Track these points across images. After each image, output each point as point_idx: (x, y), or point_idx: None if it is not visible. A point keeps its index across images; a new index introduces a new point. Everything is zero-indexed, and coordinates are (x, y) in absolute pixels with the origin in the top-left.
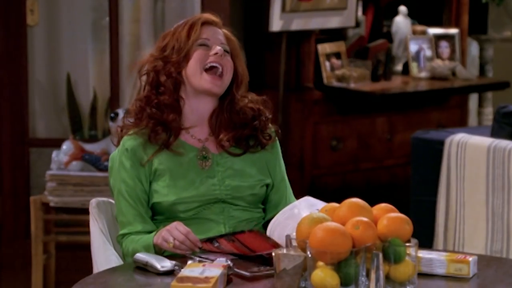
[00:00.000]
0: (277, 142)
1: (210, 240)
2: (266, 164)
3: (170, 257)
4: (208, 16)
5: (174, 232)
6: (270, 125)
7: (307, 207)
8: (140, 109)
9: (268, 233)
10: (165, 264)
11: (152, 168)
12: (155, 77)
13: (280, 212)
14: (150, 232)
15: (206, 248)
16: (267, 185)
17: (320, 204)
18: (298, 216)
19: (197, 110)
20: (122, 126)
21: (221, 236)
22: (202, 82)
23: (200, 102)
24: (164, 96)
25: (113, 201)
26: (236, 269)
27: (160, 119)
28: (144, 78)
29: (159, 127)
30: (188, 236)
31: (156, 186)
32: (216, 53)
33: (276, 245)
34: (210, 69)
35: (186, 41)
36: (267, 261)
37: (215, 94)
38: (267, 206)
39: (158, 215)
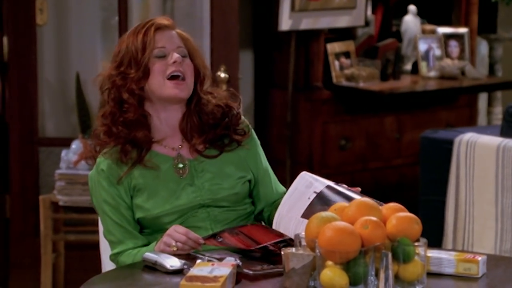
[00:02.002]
0: (253, 134)
1: (213, 236)
2: (245, 160)
3: (179, 256)
4: (160, 20)
5: (175, 235)
6: (242, 119)
7: (306, 187)
8: (107, 128)
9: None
10: (174, 263)
11: (130, 184)
12: (117, 94)
13: (281, 204)
14: (144, 246)
15: (210, 244)
16: (249, 181)
17: (317, 181)
18: (299, 203)
19: (166, 121)
20: (93, 145)
21: (224, 230)
22: (167, 90)
23: (168, 111)
24: (129, 114)
25: None
26: (244, 269)
27: (128, 137)
28: (106, 92)
29: (128, 145)
30: (188, 235)
31: (137, 201)
32: (174, 61)
33: (281, 235)
34: (172, 78)
35: (142, 54)
36: (272, 253)
37: (182, 99)
38: (255, 199)
39: (145, 228)
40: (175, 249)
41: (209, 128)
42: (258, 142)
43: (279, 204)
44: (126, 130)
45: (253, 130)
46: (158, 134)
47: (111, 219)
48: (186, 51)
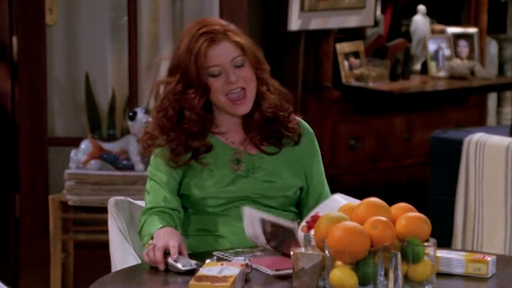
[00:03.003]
0: (314, 139)
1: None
2: (302, 166)
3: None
4: (211, 34)
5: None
6: (295, 119)
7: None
8: (162, 128)
9: None
10: (186, 263)
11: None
12: (178, 107)
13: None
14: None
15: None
16: (301, 189)
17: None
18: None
19: (230, 119)
20: (145, 139)
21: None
22: (228, 108)
23: (229, 116)
24: (190, 125)
25: (131, 200)
26: (257, 266)
27: (184, 143)
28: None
29: (181, 149)
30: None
31: (187, 180)
32: (231, 82)
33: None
34: (231, 96)
35: (197, 74)
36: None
37: (244, 113)
38: (303, 209)
39: (189, 208)
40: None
41: (266, 124)
42: (319, 151)
43: None
44: (183, 137)
45: (315, 139)
46: (221, 126)
47: (158, 184)
48: (241, 58)
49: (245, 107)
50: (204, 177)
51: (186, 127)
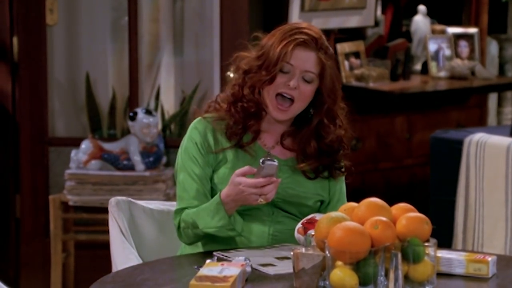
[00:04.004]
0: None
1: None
2: (328, 182)
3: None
4: (306, 36)
5: (251, 191)
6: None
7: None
8: (228, 103)
9: None
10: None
11: (219, 157)
12: (242, 83)
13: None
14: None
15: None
16: (321, 201)
17: None
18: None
19: (274, 123)
20: (211, 103)
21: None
22: (270, 106)
23: (273, 121)
24: (249, 104)
25: (132, 200)
26: (259, 267)
27: (241, 121)
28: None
29: (238, 127)
30: (261, 185)
31: (215, 173)
32: (288, 86)
33: None
34: (279, 97)
35: (276, 62)
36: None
37: (280, 120)
38: None
39: None
40: (260, 202)
41: (320, 155)
42: (345, 183)
43: None
44: (242, 114)
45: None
46: (262, 125)
47: (189, 175)
48: (314, 76)
49: (282, 115)
50: (231, 175)
51: (245, 105)
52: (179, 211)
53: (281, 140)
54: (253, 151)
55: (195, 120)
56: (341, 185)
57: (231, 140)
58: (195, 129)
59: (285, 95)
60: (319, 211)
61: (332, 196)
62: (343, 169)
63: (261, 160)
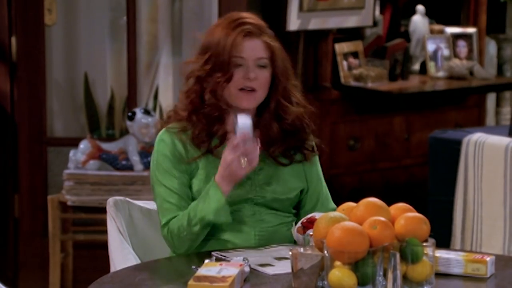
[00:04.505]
0: (317, 155)
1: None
2: (303, 168)
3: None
4: (250, 25)
5: (236, 154)
6: (312, 137)
7: None
8: (187, 112)
9: None
10: None
11: (192, 166)
12: (200, 89)
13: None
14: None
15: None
16: (301, 191)
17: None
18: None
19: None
20: (168, 115)
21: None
22: (236, 100)
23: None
24: (210, 109)
25: (130, 200)
26: (257, 267)
27: (207, 128)
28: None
29: (203, 134)
30: (243, 144)
31: (193, 182)
32: (248, 78)
33: None
34: (243, 90)
35: (228, 60)
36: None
37: (246, 109)
38: (301, 211)
39: None
40: (244, 164)
41: (287, 136)
42: (317, 156)
43: None
44: (205, 121)
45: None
46: (229, 127)
47: (167, 188)
48: (266, 61)
49: (250, 103)
50: (209, 178)
51: (207, 111)
52: (165, 225)
53: (266, 146)
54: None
55: (160, 133)
56: (316, 168)
57: (200, 148)
58: (162, 141)
59: (247, 88)
60: (300, 199)
61: (309, 181)
62: (314, 148)
63: (234, 116)
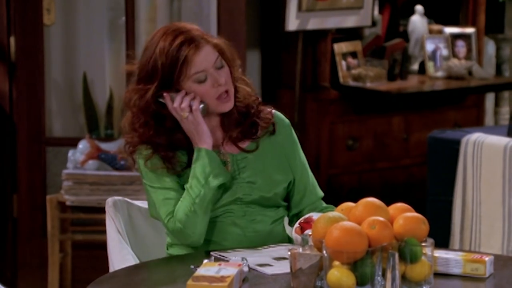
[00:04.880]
0: (291, 129)
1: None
2: (286, 160)
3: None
4: (193, 40)
5: (179, 115)
6: (265, 108)
7: None
8: (145, 137)
9: None
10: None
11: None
12: (153, 112)
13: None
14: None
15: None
16: (288, 183)
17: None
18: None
19: (208, 122)
20: (128, 146)
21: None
22: (217, 108)
23: (208, 117)
24: (168, 122)
25: (129, 200)
26: (256, 267)
27: (168, 143)
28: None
29: (168, 152)
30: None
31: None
32: (220, 85)
33: None
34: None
35: (181, 81)
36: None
37: (230, 109)
38: (291, 202)
39: None
40: (186, 116)
41: (242, 118)
42: (297, 141)
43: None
44: (168, 136)
45: (292, 129)
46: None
47: (162, 188)
48: (220, 59)
49: (230, 104)
50: None
51: (167, 125)
52: (169, 215)
53: (225, 133)
54: None
55: (137, 153)
56: (299, 157)
57: (175, 166)
58: (143, 157)
59: (223, 93)
60: (288, 190)
61: (295, 172)
62: (267, 119)
63: None
